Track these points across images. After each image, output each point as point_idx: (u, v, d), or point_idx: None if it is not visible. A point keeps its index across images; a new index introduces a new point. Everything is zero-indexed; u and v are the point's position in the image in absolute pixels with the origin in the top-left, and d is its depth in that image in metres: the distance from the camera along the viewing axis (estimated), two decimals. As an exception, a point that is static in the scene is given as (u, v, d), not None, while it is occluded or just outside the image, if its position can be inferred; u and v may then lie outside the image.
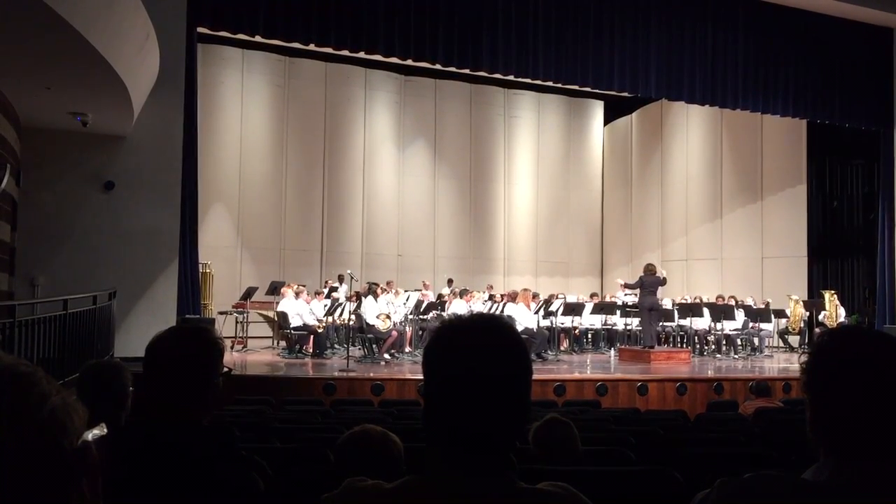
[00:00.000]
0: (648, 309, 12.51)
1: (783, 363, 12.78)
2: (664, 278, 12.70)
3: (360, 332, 11.65)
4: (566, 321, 13.74)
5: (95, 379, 2.78)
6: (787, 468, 1.44)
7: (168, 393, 1.81)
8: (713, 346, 13.87)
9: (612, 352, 13.70)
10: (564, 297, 14.50)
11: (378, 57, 13.51)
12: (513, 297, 12.85)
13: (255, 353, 12.39)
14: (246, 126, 16.14)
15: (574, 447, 3.33)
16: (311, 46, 12.77)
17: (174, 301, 10.37)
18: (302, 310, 11.86)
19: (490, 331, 1.22)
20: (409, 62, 13.56)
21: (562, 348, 13.77)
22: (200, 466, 1.71)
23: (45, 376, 0.93)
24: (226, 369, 1.94)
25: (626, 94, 15.71)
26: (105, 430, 2.09)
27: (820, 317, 14.27)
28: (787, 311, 14.60)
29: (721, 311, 13.35)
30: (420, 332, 12.47)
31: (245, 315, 13.13)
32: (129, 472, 1.65)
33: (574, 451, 3.32)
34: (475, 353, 1.18)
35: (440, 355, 1.21)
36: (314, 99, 16.85)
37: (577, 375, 10.27)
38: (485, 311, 12.81)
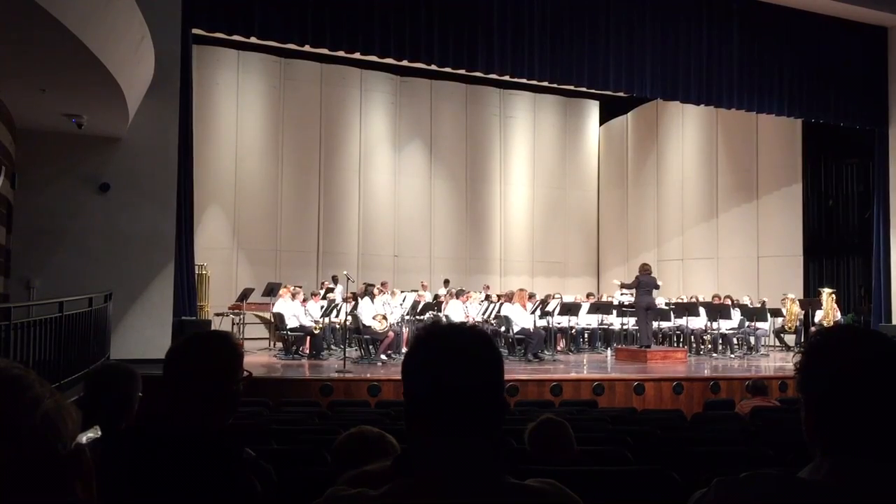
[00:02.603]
0: (645, 308, 12.53)
1: (779, 362, 12.81)
2: (658, 283, 12.80)
3: (357, 333, 11.64)
4: (563, 321, 13.74)
5: (100, 382, 2.76)
6: (784, 467, 1.44)
7: (191, 400, 1.82)
8: (709, 346, 13.89)
9: (609, 351, 13.70)
10: (561, 298, 14.51)
11: (374, 58, 13.52)
12: (509, 298, 12.87)
13: (251, 355, 12.35)
14: (241, 127, 16.12)
15: (569, 447, 3.33)
16: (307, 48, 12.76)
17: (170, 303, 10.35)
18: (298, 311, 11.86)
19: (463, 338, 1.27)
20: (405, 63, 13.55)
21: (558, 348, 13.77)
22: (200, 470, 1.72)
23: (38, 379, 0.93)
24: (245, 373, 1.97)
25: (621, 94, 15.72)
26: (99, 433, 2.09)
27: (816, 317, 14.27)
28: (783, 311, 14.62)
29: (717, 311, 13.37)
30: (417, 333, 12.45)
31: (241, 317, 13.11)
32: (127, 476, 1.66)
33: (570, 451, 3.31)
34: (450, 360, 1.24)
35: (417, 364, 1.27)
36: (310, 100, 16.84)
37: (573, 375, 10.27)
38: (481, 311, 12.84)
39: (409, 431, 1.25)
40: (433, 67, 13.34)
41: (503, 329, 12.54)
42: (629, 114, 19.52)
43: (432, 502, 1.17)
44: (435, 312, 12.33)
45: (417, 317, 12.31)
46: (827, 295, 14.23)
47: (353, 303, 11.61)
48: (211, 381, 1.83)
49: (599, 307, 14.33)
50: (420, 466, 1.21)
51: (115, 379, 2.73)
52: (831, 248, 16.33)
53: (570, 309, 13.55)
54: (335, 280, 14.38)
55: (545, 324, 13.13)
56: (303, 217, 16.70)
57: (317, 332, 11.78)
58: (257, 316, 13.75)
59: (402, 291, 13.46)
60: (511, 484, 1.21)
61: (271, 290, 12.73)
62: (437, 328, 1.30)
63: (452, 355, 1.24)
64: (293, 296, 12.12)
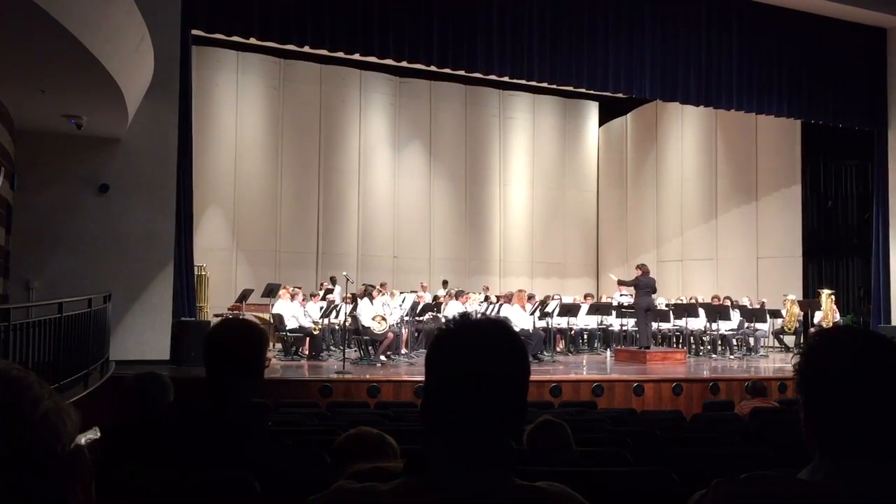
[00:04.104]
0: (645, 309, 12.52)
1: (778, 363, 12.80)
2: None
3: (356, 334, 11.64)
4: (562, 322, 13.73)
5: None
6: (784, 468, 1.44)
7: (224, 374, 2.17)
8: (709, 347, 13.89)
9: (608, 352, 13.70)
10: (560, 298, 14.51)
11: (373, 59, 13.52)
12: (508, 299, 12.87)
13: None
14: (241, 128, 16.11)
15: (568, 448, 3.32)
16: (306, 48, 12.76)
17: (169, 304, 10.35)
18: (297, 312, 11.86)
19: (492, 332, 1.25)
20: (405, 64, 13.55)
21: (558, 349, 13.77)
22: (236, 440, 2.10)
23: (38, 380, 0.93)
24: (268, 360, 2.32)
25: (620, 95, 15.73)
26: (98, 434, 2.10)
27: (815, 318, 14.26)
28: (783, 312, 14.62)
29: (716, 312, 13.36)
30: (416, 334, 12.46)
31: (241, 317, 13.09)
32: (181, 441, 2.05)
33: (568, 452, 3.31)
34: (477, 353, 1.22)
35: (443, 354, 1.25)
36: (309, 101, 16.84)
37: (573, 376, 10.27)
38: (481, 312, 12.83)
39: (425, 427, 1.24)
40: (433, 68, 13.34)
41: (502, 330, 12.53)
42: (628, 115, 19.52)
43: (441, 501, 1.17)
44: (434, 313, 12.31)
45: (417, 318, 12.31)
46: (826, 296, 14.22)
47: (353, 304, 11.61)
48: (244, 358, 2.18)
49: (599, 308, 14.33)
50: (431, 464, 1.20)
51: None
52: (830, 250, 16.34)
53: (569, 310, 13.55)
54: (333, 281, 14.38)
55: (544, 325, 13.12)
56: (302, 218, 16.69)
57: (316, 332, 11.78)
58: (256, 317, 13.70)
59: (401, 292, 13.46)
60: (521, 486, 1.21)
61: (270, 291, 12.72)
62: (464, 320, 1.28)
63: (477, 348, 1.22)
64: (292, 297, 12.12)
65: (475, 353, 1.22)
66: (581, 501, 1.24)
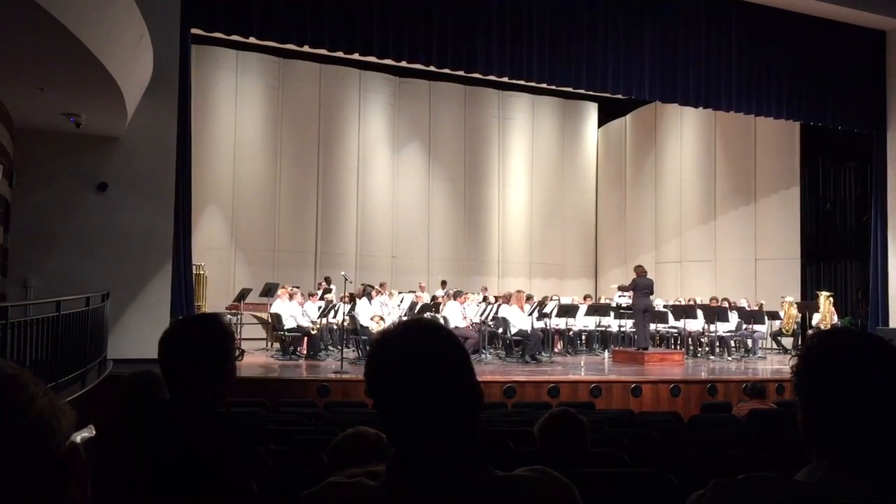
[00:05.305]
0: (643, 310, 12.53)
1: (776, 365, 12.81)
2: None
3: (354, 333, 11.64)
4: (560, 323, 13.73)
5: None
6: (781, 469, 1.44)
7: (183, 383, 1.89)
8: (707, 348, 13.90)
9: (606, 353, 13.70)
10: (559, 299, 14.50)
11: (372, 59, 13.51)
12: (507, 299, 12.87)
13: (249, 356, 12.34)
14: (240, 127, 16.11)
15: (579, 443, 3.27)
16: (306, 48, 12.75)
17: (167, 303, 10.33)
18: (296, 311, 11.85)
19: (423, 336, 1.27)
20: (404, 64, 13.55)
21: (556, 350, 13.77)
22: (209, 456, 1.80)
23: (33, 378, 0.93)
24: (238, 351, 2.03)
25: (620, 97, 15.72)
26: (93, 432, 2.09)
27: (814, 320, 14.26)
28: (781, 314, 14.63)
29: (714, 313, 13.37)
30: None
31: (239, 317, 13.09)
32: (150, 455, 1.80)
33: (579, 447, 3.26)
34: (413, 357, 1.23)
35: (381, 367, 1.25)
36: (308, 100, 16.84)
37: (571, 377, 10.27)
38: (479, 312, 12.84)
39: (384, 430, 1.26)
40: (432, 68, 13.33)
41: (501, 330, 12.54)
42: (627, 116, 19.53)
43: (423, 498, 1.18)
44: (432, 314, 12.31)
45: (415, 318, 12.30)
46: (824, 298, 14.23)
47: (351, 304, 11.61)
48: (201, 365, 1.89)
49: (597, 309, 14.32)
50: (409, 463, 1.21)
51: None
52: (829, 252, 16.34)
53: (567, 310, 13.54)
54: (328, 281, 14.40)
55: (543, 325, 13.12)
56: (301, 217, 16.69)
57: (314, 332, 11.77)
58: (255, 316, 13.73)
59: (399, 292, 13.46)
60: (499, 476, 1.22)
61: (269, 291, 12.72)
62: (390, 331, 1.30)
63: (408, 354, 1.23)
64: (291, 296, 12.12)
65: (407, 361, 1.23)
66: (564, 482, 1.25)
